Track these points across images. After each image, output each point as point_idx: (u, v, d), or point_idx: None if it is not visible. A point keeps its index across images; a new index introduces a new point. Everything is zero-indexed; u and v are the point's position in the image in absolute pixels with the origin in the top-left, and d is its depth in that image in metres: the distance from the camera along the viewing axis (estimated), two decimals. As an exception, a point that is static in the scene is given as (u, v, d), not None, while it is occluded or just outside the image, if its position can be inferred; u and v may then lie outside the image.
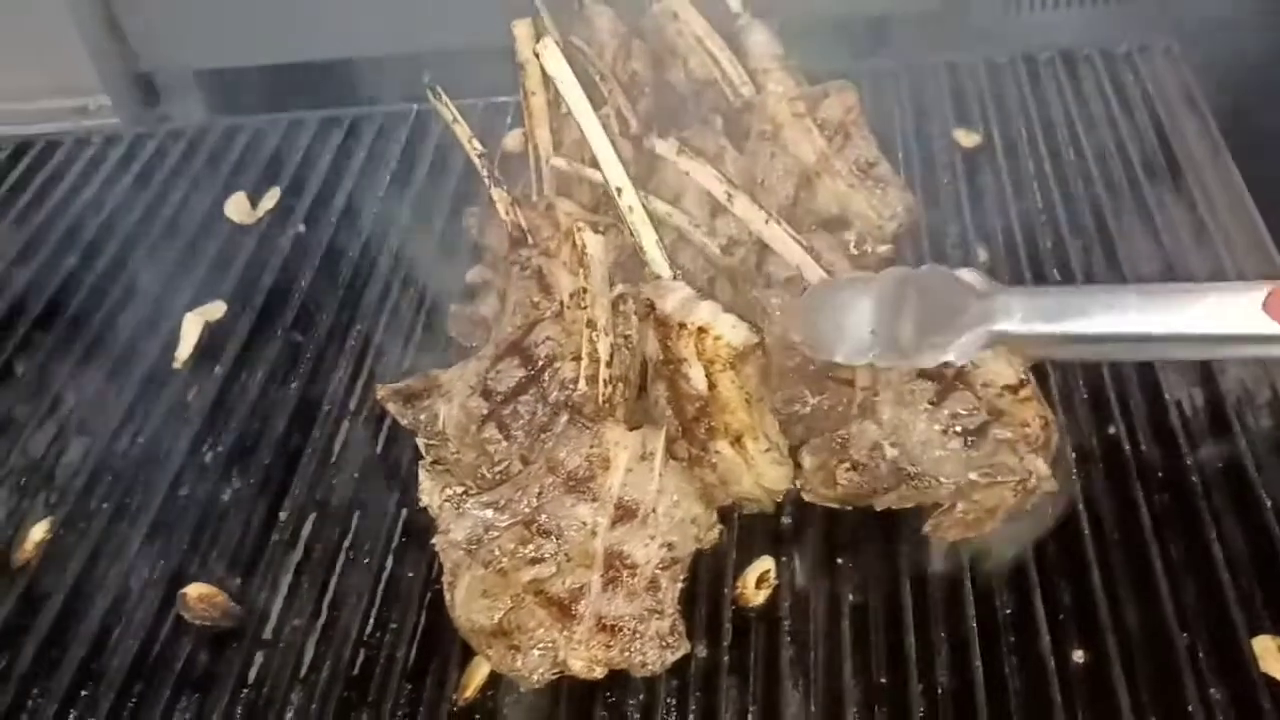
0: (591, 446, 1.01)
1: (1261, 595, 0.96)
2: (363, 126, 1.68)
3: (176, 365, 1.35)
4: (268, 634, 1.08)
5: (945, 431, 1.01)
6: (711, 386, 0.99)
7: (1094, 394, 1.14)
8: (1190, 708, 0.89)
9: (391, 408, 1.14)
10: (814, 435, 1.07)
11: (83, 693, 1.05)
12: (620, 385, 1.06)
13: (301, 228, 1.52)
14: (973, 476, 1.00)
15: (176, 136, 1.71)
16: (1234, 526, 1.01)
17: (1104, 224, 1.31)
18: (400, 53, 1.75)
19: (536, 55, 1.03)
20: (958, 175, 1.40)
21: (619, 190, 1.02)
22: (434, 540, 1.03)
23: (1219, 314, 0.81)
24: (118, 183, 1.64)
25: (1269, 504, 1.00)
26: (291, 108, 1.75)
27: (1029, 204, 1.36)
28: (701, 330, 0.98)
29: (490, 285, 1.34)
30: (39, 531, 1.19)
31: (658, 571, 0.99)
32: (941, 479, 1.01)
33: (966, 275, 0.93)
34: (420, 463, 1.07)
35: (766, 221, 1.09)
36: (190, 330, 1.37)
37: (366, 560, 1.12)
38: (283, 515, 1.17)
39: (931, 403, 1.01)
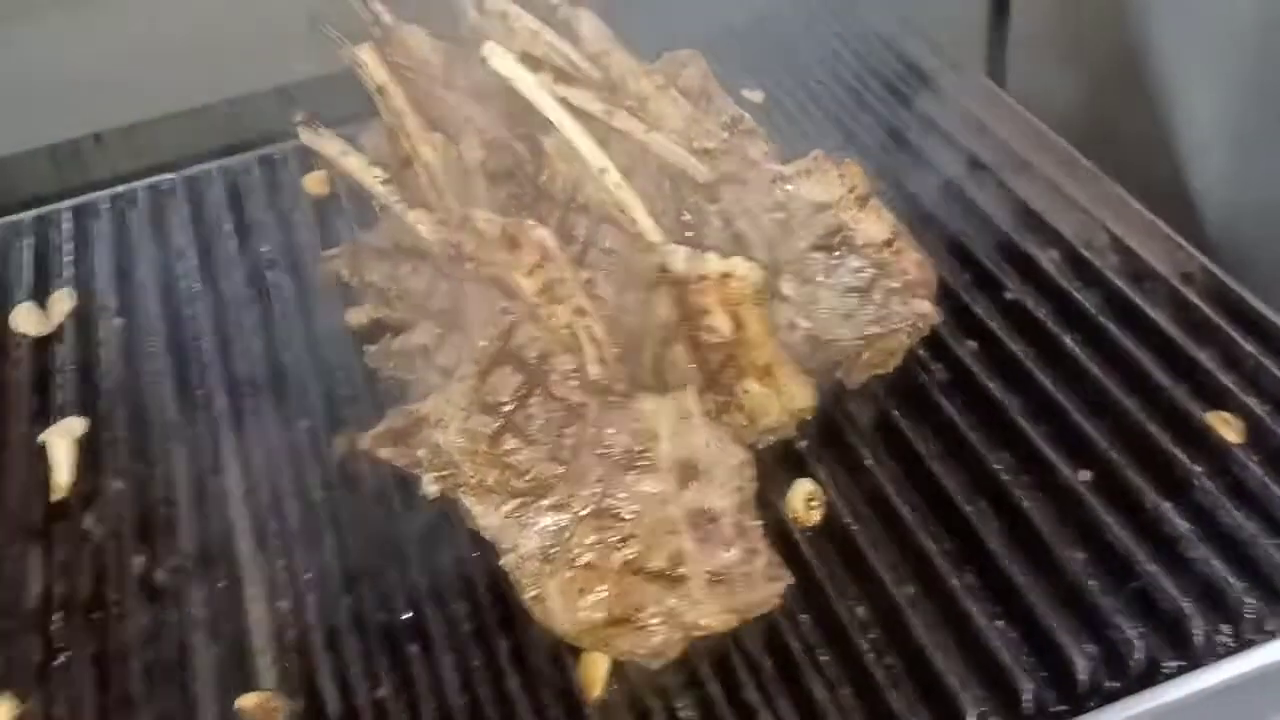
0: (634, 422, 1.03)
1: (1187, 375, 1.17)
2: (121, 205, 1.52)
3: (58, 495, 1.17)
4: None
5: (843, 295, 1.14)
6: (739, 327, 1.04)
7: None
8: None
9: (384, 453, 1.07)
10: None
11: None
12: (621, 363, 1.09)
13: (119, 321, 1.36)
14: (873, 330, 1.14)
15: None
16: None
17: (901, 136, 1.50)
18: (137, 121, 1.61)
19: (484, 59, 1.03)
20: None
21: (602, 170, 1.04)
22: (501, 562, 1.00)
23: None
24: None
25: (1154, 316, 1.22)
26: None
27: (832, 137, 1.52)
28: (724, 276, 1.03)
29: (386, 321, 1.29)
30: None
31: (738, 515, 1.03)
32: (850, 340, 1.14)
33: None
34: (459, 491, 1.03)
35: (646, 132, 1.15)
36: (60, 453, 1.19)
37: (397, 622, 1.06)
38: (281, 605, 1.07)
39: (827, 272, 1.14)
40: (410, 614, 1.06)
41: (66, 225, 1.48)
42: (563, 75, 1.16)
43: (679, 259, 1.04)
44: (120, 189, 1.53)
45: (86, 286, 1.40)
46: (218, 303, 1.37)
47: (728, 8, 1.74)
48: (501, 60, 1.01)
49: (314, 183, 1.50)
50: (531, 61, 1.13)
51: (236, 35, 1.60)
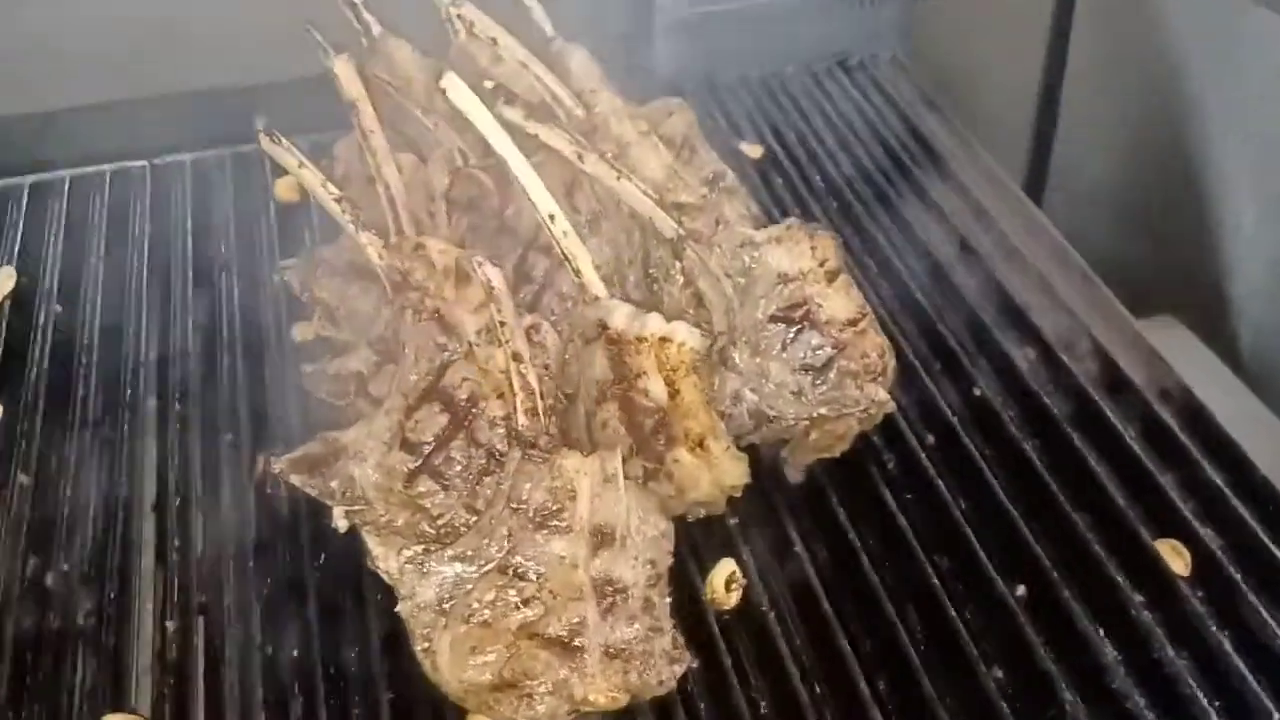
0: (553, 479, 0.98)
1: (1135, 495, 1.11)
2: (84, 188, 1.48)
3: (-39, 484, 1.13)
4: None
5: (795, 372, 1.09)
6: (674, 394, 1.00)
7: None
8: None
9: (295, 479, 1.03)
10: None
11: None
12: (554, 416, 1.05)
13: (58, 308, 1.32)
14: (822, 411, 1.09)
15: None
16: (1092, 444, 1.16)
17: (896, 211, 1.44)
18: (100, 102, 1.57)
19: (443, 91, 0.99)
20: (755, 184, 1.48)
21: (551, 217, 1.00)
22: (397, 608, 0.96)
23: None
24: None
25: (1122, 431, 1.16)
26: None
27: (825, 202, 1.47)
28: (663, 340, 0.98)
29: (330, 341, 1.25)
30: None
31: (648, 590, 0.98)
32: (795, 419, 1.09)
33: None
34: (364, 529, 0.98)
35: (618, 178, 1.09)
36: (-27, 443, 1.15)
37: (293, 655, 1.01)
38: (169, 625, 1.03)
39: (783, 345, 1.09)
40: (298, 652, 1.01)
41: (23, 201, 1.45)
42: (537, 111, 1.12)
43: (619, 316, 1.00)
44: (88, 169, 1.49)
45: (32, 268, 1.36)
46: (164, 301, 1.33)
47: (745, 57, 1.71)
48: (459, 94, 0.97)
49: (284, 188, 1.46)
50: (506, 94, 1.09)
51: (228, 29, 1.56)
